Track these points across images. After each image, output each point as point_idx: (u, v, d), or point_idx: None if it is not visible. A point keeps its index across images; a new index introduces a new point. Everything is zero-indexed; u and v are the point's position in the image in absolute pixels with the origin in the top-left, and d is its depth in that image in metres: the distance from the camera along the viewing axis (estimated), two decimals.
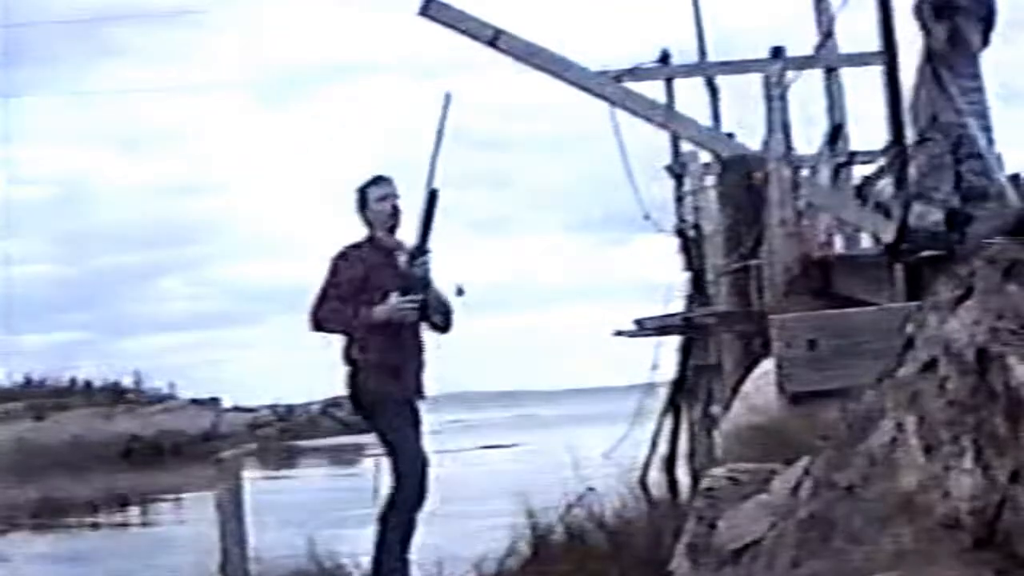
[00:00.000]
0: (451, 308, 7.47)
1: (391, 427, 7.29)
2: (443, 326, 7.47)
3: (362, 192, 7.52)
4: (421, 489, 7.18)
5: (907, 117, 7.28)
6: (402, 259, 7.35)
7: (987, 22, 7.39)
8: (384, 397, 7.28)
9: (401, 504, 7.14)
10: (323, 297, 7.32)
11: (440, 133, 7.19)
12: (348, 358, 7.40)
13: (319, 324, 7.32)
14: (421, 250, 7.28)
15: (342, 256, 7.42)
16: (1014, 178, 7.49)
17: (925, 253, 6.41)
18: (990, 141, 7.28)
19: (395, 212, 7.46)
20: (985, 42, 7.41)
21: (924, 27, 7.28)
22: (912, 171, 7.43)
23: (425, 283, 7.29)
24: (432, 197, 7.20)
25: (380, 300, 7.27)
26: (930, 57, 7.23)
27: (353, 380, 7.38)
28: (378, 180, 7.51)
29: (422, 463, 7.21)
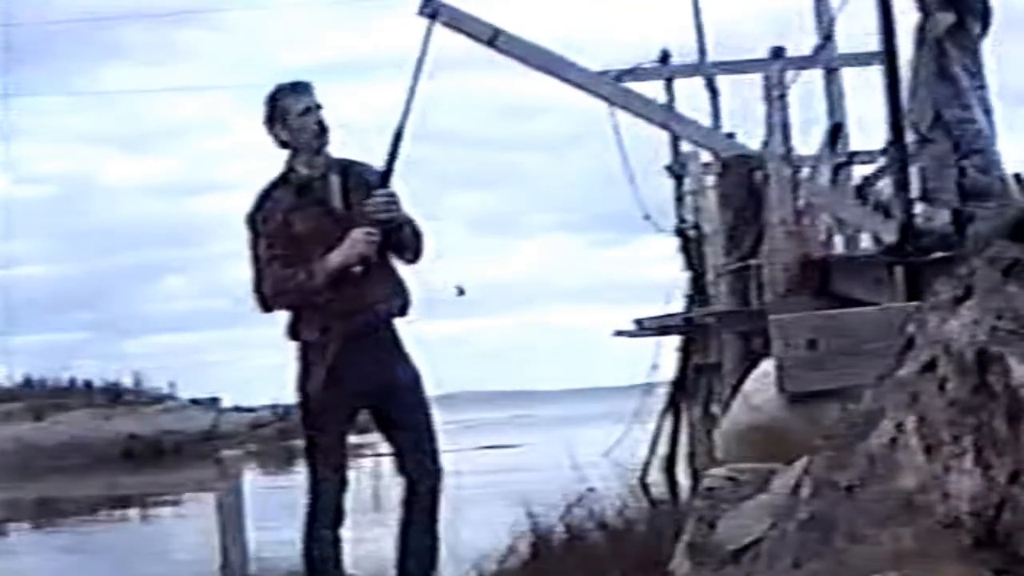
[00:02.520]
0: (421, 232, 5.87)
1: (318, 434, 5.89)
2: (414, 257, 5.89)
3: (275, 103, 5.84)
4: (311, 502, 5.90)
5: (906, 116, 7.28)
6: (335, 182, 5.79)
7: (984, 19, 7.39)
8: (333, 404, 5.76)
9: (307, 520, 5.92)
10: (259, 268, 5.75)
11: (420, 63, 5.85)
12: (295, 335, 5.86)
13: (268, 304, 5.81)
14: (383, 182, 5.75)
15: (257, 205, 5.82)
16: (1015, 177, 7.49)
17: (932, 256, 6.40)
18: (992, 138, 7.28)
19: (323, 129, 5.82)
20: (982, 37, 7.41)
21: (926, 16, 7.28)
22: (916, 172, 7.43)
23: (390, 223, 5.75)
24: (398, 136, 5.74)
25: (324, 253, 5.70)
26: (935, 51, 7.23)
27: (305, 368, 5.81)
28: (297, 87, 5.87)
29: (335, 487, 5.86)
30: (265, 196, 5.84)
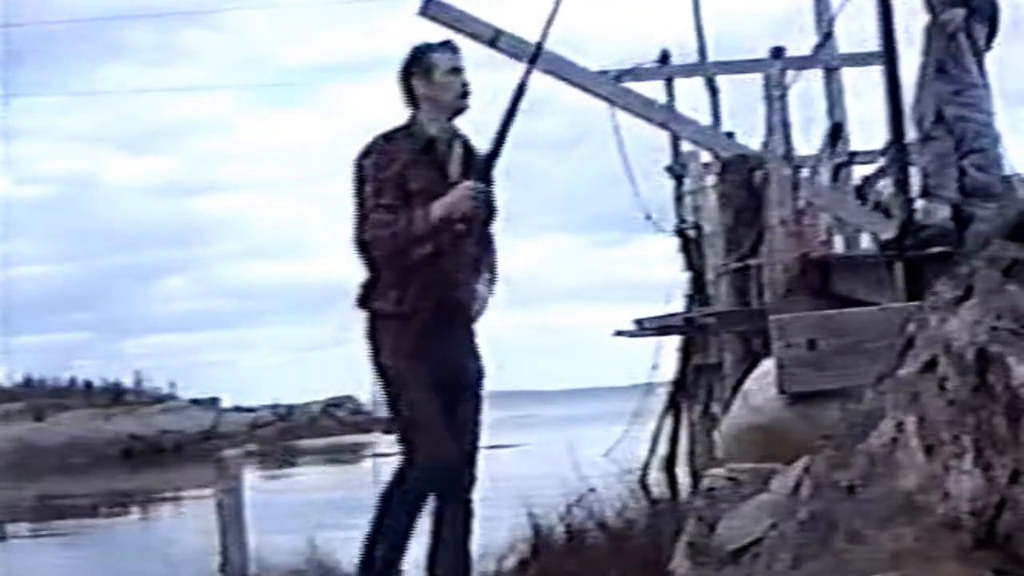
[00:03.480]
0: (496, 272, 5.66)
1: (411, 403, 5.38)
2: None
3: (421, 56, 5.49)
4: (439, 485, 5.42)
5: (910, 116, 7.28)
6: (459, 152, 5.51)
7: (992, 23, 7.39)
8: (414, 373, 5.33)
9: (403, 497, 5.43)
10: (363, 214, 5.35)
11: (536, 52, 5.71)
12: (365, 303, 5.45)
13: (365, 245, 5.35)
14: (494, 155, 5.47)
15: (375, 150, 5.43)
16: (1016, 177, 7.50)
17: (933, 250, 6.40)
18: (995, 139, 7.28)
19: (466, 93, 5.51)
20: (988, 44, 7.42)
21: (934, 15, 7.28)
22: (917, 170, 7.44)
23: (490, 206, 5.52)
24: (520, 91, 5.50)
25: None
26: (941, 48, 7.24)
27: (375, 340, 5.39)
28: (447, 44, 5.58)
29: (451, 459, 5.41)
30: (386, 141, 5.45)
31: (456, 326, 5.45)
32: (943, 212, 6.96)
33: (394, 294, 5.34)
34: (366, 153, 5.42)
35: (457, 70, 5.47)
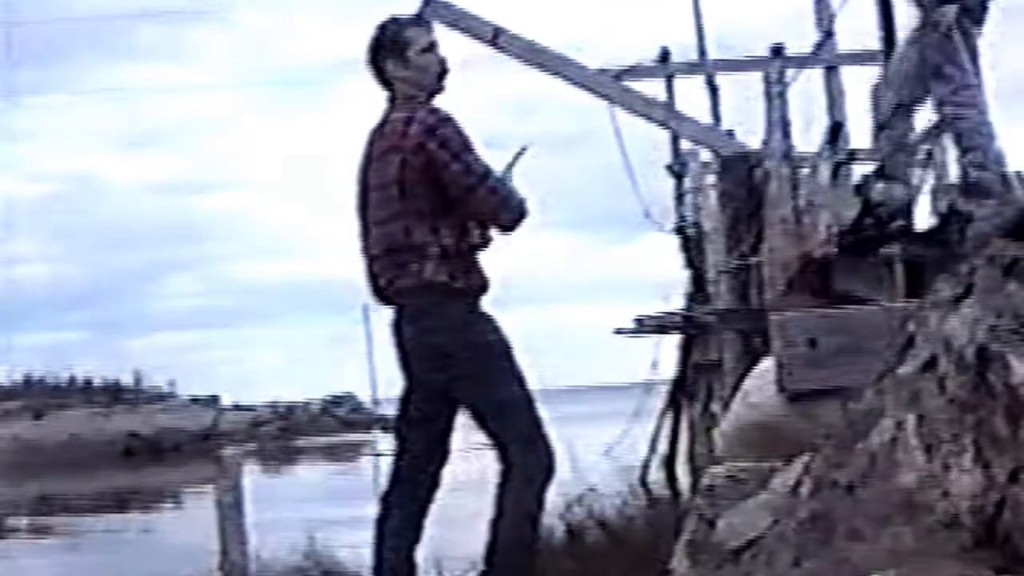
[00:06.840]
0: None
1: (503, 376, 5.13)
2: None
3: (394, 33, 4.93)
4: (549, 459, 5.09)
5: (870, 96, 7.41)
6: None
7: (981, 15, 7.41)
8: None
9: (522, 484, 5.09)
10: (476, 179, 4.82)
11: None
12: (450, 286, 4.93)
13: (523, 213, 5.02)
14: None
15: (452, 119, 4.85)
16: (1015, 175, 7.50)
17: (894, 225, 6.52)
18: (991, 135, 7.29)
19: (445, 71, 4.96)
20: (979, 33, 7.43)
21: (925, 13, 7.29)
22: (876, 155, 7.63)
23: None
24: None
25: None
26: (929, 47, 7.25)
27: (469, 320, 4.99)
28: (419, 19, 5.19)
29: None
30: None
31: None
32: (899, 190, 7.08)
33: (467, 273, 4.97)
34: (446, 119, 4.82)
35: (433, 45, 4.94)
